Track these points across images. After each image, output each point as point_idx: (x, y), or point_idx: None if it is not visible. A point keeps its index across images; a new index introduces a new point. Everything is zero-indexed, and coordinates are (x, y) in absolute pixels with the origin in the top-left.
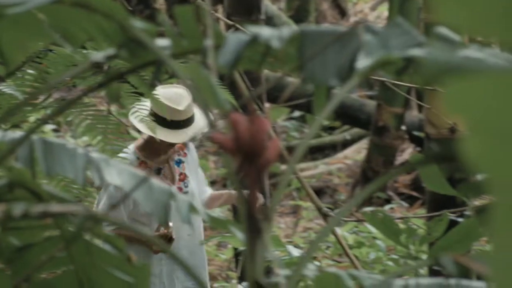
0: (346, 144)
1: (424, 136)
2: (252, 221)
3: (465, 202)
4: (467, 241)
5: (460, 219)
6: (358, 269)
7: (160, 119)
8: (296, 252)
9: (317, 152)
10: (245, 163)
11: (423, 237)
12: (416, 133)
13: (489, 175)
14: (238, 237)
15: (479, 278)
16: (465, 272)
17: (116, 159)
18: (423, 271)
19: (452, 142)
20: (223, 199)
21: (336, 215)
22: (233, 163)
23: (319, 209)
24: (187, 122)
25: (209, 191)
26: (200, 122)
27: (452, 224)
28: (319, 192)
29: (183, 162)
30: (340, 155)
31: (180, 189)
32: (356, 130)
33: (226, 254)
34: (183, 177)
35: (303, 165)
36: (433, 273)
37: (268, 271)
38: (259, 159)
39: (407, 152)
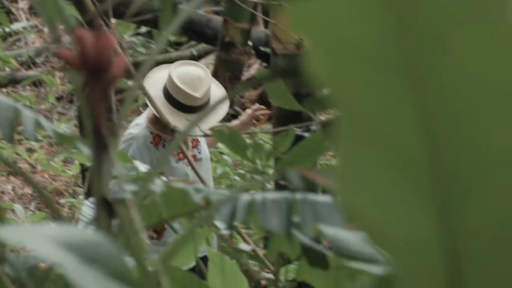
0: (193, 59)
1: (270, 52)
2: (99, 136)
3: (311, 116)
4: (313, 155)
5: (306, 134)
6: (205, 184)
7: (174, 100)
8: (143, 168)
9: None
10: (91, 78)
11: (270, 152)
12: (262, 48)
13: (332, 89)
14: (84, 153)
15: (324, 191)
16: (311, 186)
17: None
18: (270, 185)
19: (298, 57)
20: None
21: (183, 132)
22: (79, 78)
23: (166, 125)
24: (202, 107)
25: None
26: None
27: (298, 138)
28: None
29: None
30: None
31: (194, 156)
32: (203, 46)
33: (73, 170)
34: (196, 144)
35: None
36: (279, 187)
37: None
38: (105, 75)
39: (253, 68)
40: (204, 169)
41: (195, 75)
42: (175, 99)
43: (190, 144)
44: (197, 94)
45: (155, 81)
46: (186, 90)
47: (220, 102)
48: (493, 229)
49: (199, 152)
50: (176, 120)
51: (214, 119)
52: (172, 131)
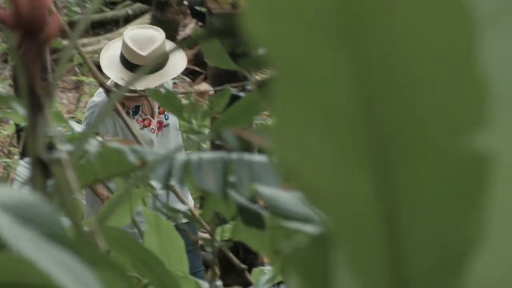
0: (128, 19)
1: (206, 11)
2: (34, 96)
3: (246, 76)
4: (248, 115)
5: (241, 94)
6: (141, 144)
7: (124, 60)
8: (78, 128)
9: (99, 27)
10: (26, 38)
11: (205, 112)
12: (198, 8)
13: (269, 49)
14: (19, 113)
15: (260, 151)
16: (246, 146)
17: None
18: (205, 145)
19: (234, 17)
20: None
21: (119, 91)
22: (13, 38)
23: (101, 85)
24: (155, 67)
25: None
26: (173, 68)
27: (234, 98)
28: (97, 68)
29: None
30: (122, 30)
31: (160, 122)
32: (138, 5)
33: (8, 130)
34: (163, 110)
35: (85, 40)
36: (215, 147)
37: (50, 147)
38: (40, 34)
39: (189, 27)
40: (172, 135)
41: (147, 36)
42: (125, 58)
43: (156, 110)
44: (143, 53)
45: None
46: (134, 48)
47: (158, 59)
48: (430, 189)
49: (166, 118)
50: (122, 78)
51: (167, 77)
52: (137, 97)
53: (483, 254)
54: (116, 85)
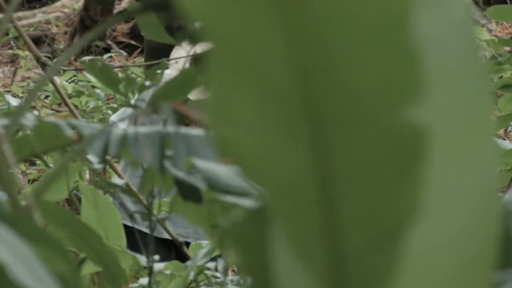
0: None
1: None
2: None
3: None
4: (185, 89)
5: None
6: (77, 118)
7: None
8: (14, 102)
9: (35, 1)
10: None
11: (142, 86)
12: None
13: (204, 23)
14: None
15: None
16: (183, 120)
17: None
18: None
19: None
20: None
21: (54, 64)
22: None
23: (37, 59)
24: None
25: None
26: None
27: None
28: (38, 41)
29: None
30: (58, 4)
31: None
32: None
33: None
34: None
35: (20, 13)
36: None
37: None
38: None
39: (125, 1)
40: None
41: None
42: None
43: None
44: None
45: None
46: None
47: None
48: (365, 162)
49: None
50: None
51: None
52: None
53: (419, 225)
54: None
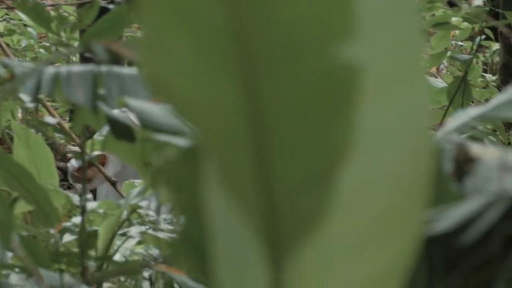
0: None
1: None
2: None
3: None
4: (118, 27)
5: (110, 6)
6: (9, 57)
7: None
8: None
9: None
10: None
11: (75, 24)
12: None
13: None
14: None
15: (130, 64)
16: (116, 59)
17: None
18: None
19: None
20: None
21: None
22: None
23: None
24: None
25: None
26: None
27: (103, 11)
28: None
29: None
30: None
31: None
32: None
33: None
34: None
35: None
36: (84, 60)
37: None
38: None
39: None
40: None
41: None
42: None
43: None
44: None
45: None
46: None
47: None
48: (297, 101)
49: None
50: None
51: None
52: None
53: (351, 163)
54: None
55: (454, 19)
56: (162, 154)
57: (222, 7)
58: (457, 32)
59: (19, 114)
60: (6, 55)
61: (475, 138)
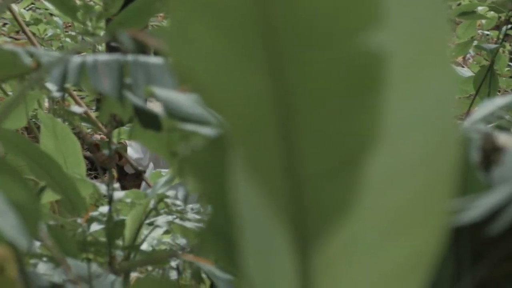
0: None
1: None
2: None
3: None
4: (143, 16)
5: None
6: (35, 46)
7: None
8: None
9: None
10: None
11: (100, 13)
12: None
13: None
14: None
15: (156, 53)
16: (142, 48)
17: None
18: (101, 47)
19: None
20: None
21: None
22: None
23: None
24: None
25: None
26: None
27: (129, 0)
28: None
29: None
30: None
31: None
32: None
33: None
34: None
35: None
36: (110, 49)
37: None
38: None
39: None
40: None
41: None
42: None
43: None
44: None
45: None
46: None
47: None
48: (324, 89)
49: None
50: None
51: None
52: None
53: (377, 153)
54: None
55: (480, 8)
56: (188, 144)
57: None
58: (483, 21)
59: (46, 104)
60: (32, 44)
61: (502, 128)
